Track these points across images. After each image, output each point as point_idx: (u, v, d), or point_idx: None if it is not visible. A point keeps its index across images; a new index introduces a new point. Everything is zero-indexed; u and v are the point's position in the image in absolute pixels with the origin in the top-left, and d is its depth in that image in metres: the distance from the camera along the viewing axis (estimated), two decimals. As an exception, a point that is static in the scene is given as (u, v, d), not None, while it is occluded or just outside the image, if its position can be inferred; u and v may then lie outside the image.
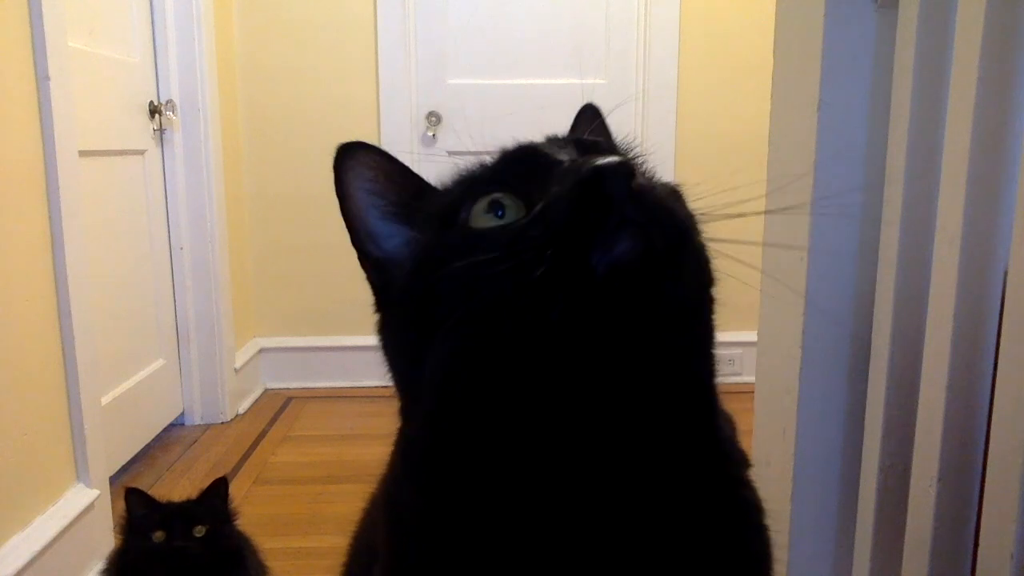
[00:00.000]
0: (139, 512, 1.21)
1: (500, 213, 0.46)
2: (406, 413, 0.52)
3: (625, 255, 0.40)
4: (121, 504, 1.24)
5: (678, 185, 0.50)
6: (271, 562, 1.34)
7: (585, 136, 0.57)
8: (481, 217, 0.47)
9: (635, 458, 0.46)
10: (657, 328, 0.43)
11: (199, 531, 1.18)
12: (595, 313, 0.41)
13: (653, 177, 0.51)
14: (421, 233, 0.51)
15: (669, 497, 0.47)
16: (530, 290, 0.41)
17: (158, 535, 1.17)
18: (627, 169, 0.41)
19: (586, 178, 0.41)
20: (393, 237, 0.53)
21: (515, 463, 0.46)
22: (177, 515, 1.20)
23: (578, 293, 0.41)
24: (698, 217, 0.47)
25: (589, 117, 0.60)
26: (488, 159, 0.51)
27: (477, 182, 0.49)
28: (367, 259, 0.54)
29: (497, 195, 0.47)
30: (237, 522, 1.28)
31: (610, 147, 0.53)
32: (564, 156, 0.47)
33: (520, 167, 0.48)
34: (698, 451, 0.48)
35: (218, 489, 1.25)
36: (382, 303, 0.54)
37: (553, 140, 0.52)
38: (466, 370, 0.45)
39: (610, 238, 0.40)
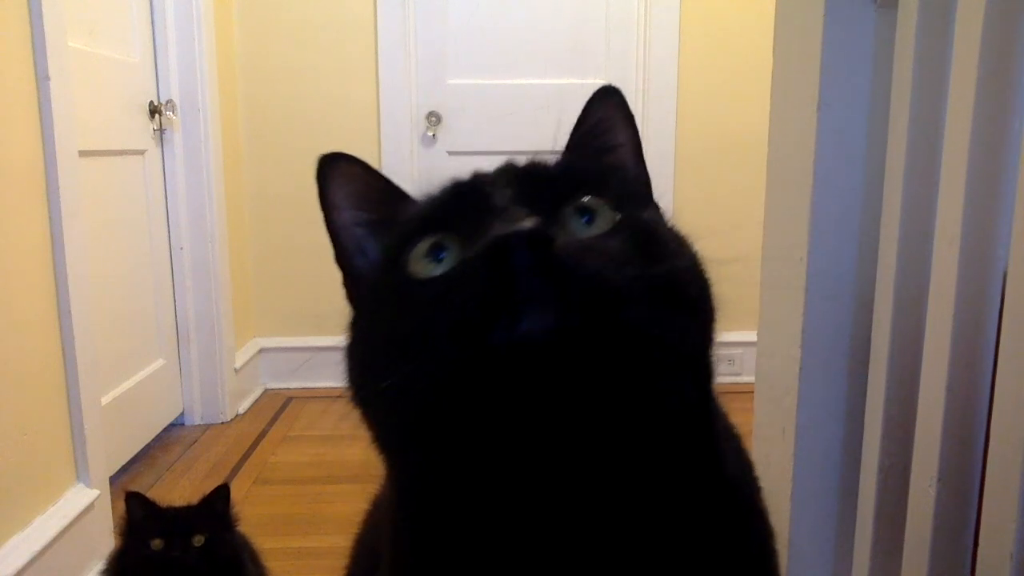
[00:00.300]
0: (139, 517, 1.20)
1: (441, 256, 0.44)
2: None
3: (530, 334, 0.37)
4: (121, 504, 1.24)
5: (656, 223, 0.47)
6: (271, 562, 1.34)
7: (588, 130, 0.53)
8: (419, 262, 0.44)
9: (606, 499, 0.43)
10: (582, 397, 0.39)
11: (198, 540, 1.17)
12: (496, 390, 0.39)
13: (650, 217, 0.47)
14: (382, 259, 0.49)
15: (660, 529, 0.45)
16: (433, 362, 0.39)
17: (156, 543, 1.16)
18: (536, 238, 0.37)
19: (488, 250, 0.38)
20: (376, 251, 0.51)
21: (471, 504, 0.45)
22: (176, 522, 1.19)
23: (475, 372, 0.38)
24: (684, 263, 0.44)
25: (599, 106, 0.54)
26: (439, 190, 0.49)
27: (419, 221, 0.46)
28: (351, 275, 0.53)
29: (434, 238, 0.44)
30: (238, 526, 1.27)
31: (569, 177, 0.47)
32: (500, 200, 0.44)
33: (461, 207, 0.45)
34: (687, 488, 0.45)
35: (219, 495, 1.24)
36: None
37: (503, 172, 0.48)
38: (393, 421, 0.45)
39: (513, 315, 0.37)
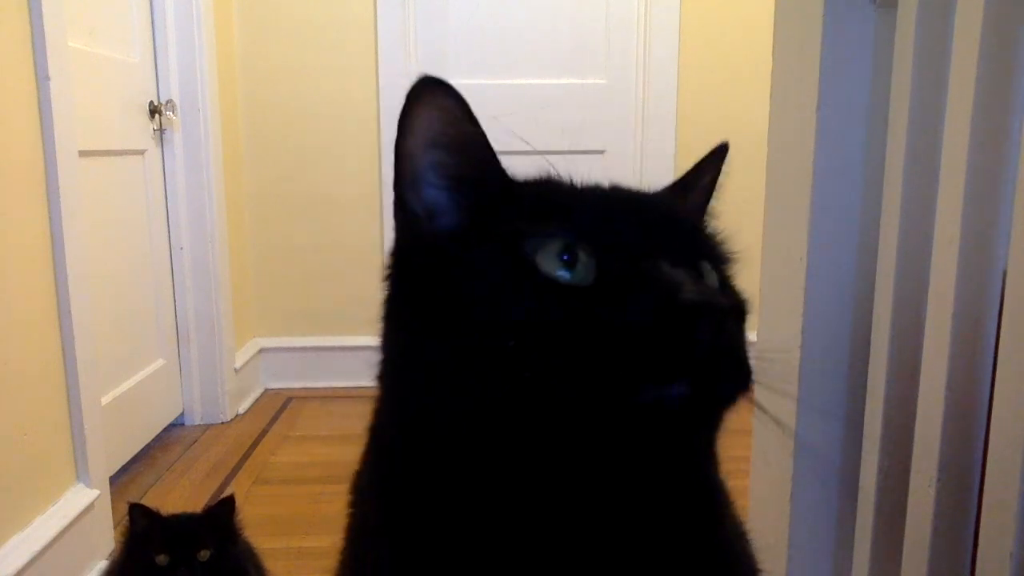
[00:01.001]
0: (142, 529, 1.19)
1: (568, 259, 0.41)
2: (385, 400, 0.48)
3: (675, 400, 0.37)
4: (122, 505, 1.23)
5: (744, 301, 0.48)
6: (271, 562, 1.34)
7: (704, 186, 0.53)
8: (548, 260, 0.41)
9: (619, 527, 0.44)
10: (673, 455, 0.43)
11: (203, 555, 1.16)
12: (607, 438, 0.40)
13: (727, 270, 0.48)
14: (472, 223, 0.45)
15: (650, 542, 0.45)
16: (568, 397, 0.38)
17: (161, 558, 1.15)
18: (726, 313, 0.38)
19: (675, 310, 0.37)
20: (440, 199, 0.47)
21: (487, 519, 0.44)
22: (181, 536, 1.18)
23: (608, 422, 0.38)
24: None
25: (717, 163, 0.54)
26: (582, 182, 0.47)
27: (563, 215, 0.43)
28: (402, 208, 0.48)
29: (568, 241, 0.41)
30: (242, 533, 1.27)
31: (715, 244, 0.48)
32: (659, 237, 0.43)
33: (614, 222, 0.43)
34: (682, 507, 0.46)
35: (224, 507, 1.23)
36: (400, 266, 0.48)
37: (658, 201, 0.48)
38: (449, 421, 0.42)
39: (670, 378, 0.37)
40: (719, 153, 0.54)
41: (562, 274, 0.41)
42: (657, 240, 0.42)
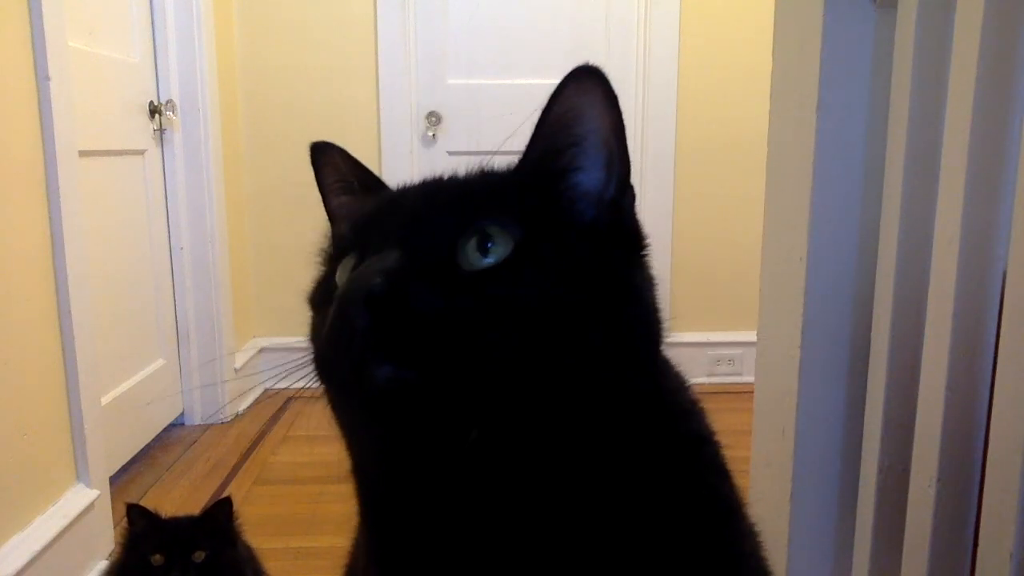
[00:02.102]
0: (139, 529, 1.19)
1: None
2: None
3: (372, 381, 0.39)
4: (121, 505, 1.23)
5: (554, 258, 0.43)
6: (271, 562, 1.34)
7: (549, 124, 0.48)
8: (343, 274, 0.48)
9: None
10: (448, 427, 0.42)
11: (199, 556, 1.17)
12: (360, 420, 0.48)
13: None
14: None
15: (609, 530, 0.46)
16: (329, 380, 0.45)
17: (157, 558, 1.16)
18: (374, 298, 0.38)
19: (335, 306, 0.41)
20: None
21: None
22: (177, 537, 1.18)
23: (351, 398, 0.45)
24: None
25: (564, 94, 0.47)
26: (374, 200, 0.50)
27: (344, 239, 0.49)
28: None
29: (355, 257, 0.47)
30: (242, 536, 1.26)
31: (470, 199, 0.46)
32: (393, 228, 0.45)
33: (372, 229, 0.47)
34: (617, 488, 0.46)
35: (221, 509, 1.24)
36: None
37: (410, 194, 0.49)
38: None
39: (358, 365, 0.39)
40: (565, 82, 0.48)
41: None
42: (390, 235, 0.45)
